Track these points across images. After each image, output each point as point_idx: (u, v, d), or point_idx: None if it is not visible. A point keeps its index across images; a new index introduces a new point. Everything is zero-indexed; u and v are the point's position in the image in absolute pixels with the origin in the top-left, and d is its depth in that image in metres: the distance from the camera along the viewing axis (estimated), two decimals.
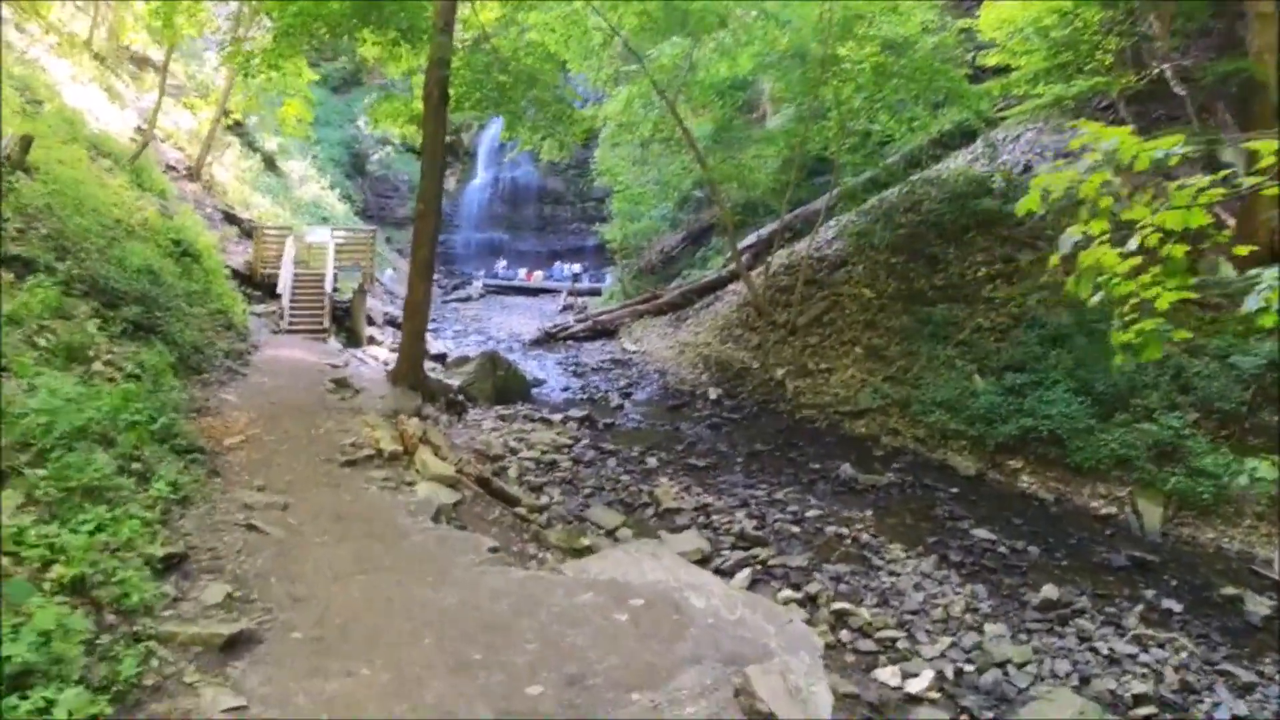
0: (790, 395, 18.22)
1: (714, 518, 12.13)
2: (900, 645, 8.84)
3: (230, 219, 22.37)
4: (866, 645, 8.83)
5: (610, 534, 11.42)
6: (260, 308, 18.30)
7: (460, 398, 16.11)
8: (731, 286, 24.13)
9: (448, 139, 16.85)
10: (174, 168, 22.50)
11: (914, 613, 9.60)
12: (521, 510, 11.08)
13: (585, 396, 19.00)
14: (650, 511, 12.42)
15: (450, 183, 37.42)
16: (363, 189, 37.42)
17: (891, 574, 10.63)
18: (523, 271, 36.42)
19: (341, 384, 13.99)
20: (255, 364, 14.34)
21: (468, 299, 33.06)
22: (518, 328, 27.43)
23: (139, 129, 20.85)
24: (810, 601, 9.78)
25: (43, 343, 8.81)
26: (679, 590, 6.85)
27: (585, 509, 12.29)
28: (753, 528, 11.73)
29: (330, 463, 9.80)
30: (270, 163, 30.11)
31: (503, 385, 17.47)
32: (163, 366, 10.59)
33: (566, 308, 30.88)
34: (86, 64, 21.60)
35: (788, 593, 9.90)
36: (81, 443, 7.15)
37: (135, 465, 7.45)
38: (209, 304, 15.05)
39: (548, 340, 25.09)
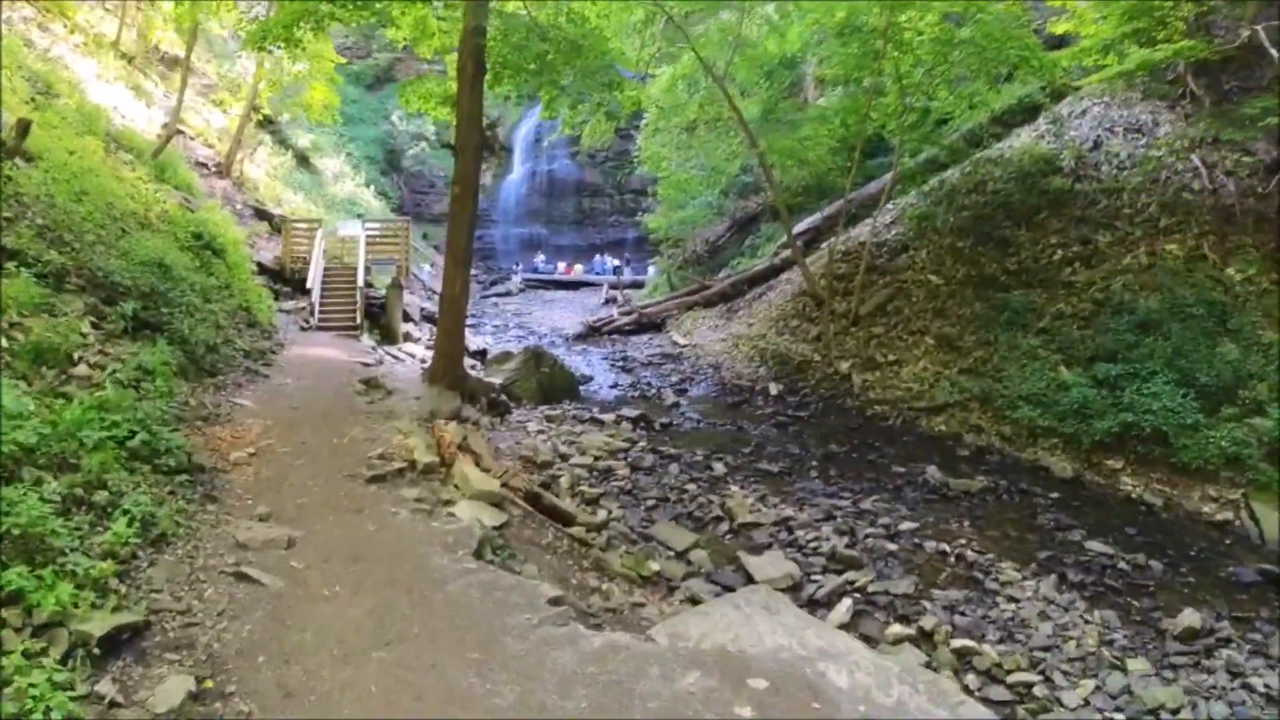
0: (858, 390, 16.23)
1: (798, 534, 10.20)
2: (1038, 692, 7.13)
3: (260, 215, 20.89)
4: (999, 693, 7.12)
5: (681, 556, 9.51)
6: (289, 304, 16.63)
7: (502, 397, 14.24)
8: (785, 275, 22.02)
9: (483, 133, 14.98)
10: (204, 164, 21.17)
11: (1045, 649, 7.84)
12: (578, 530, 9.15)
13: (637, 394, 17.04)
14: (724, 528, 10.47)
15: (486, 177, 35.64)
16: (398, 185, 35.86)
17: (1010, 599, 8.80)
18: (562, 265, 34.59)
19: (372, 384, 12.19)
20: (279, 363, 12.59)
21: (507, 294, 31.28)
22: (560, 322, 25.53)
23: (165, 125, 19.37)
24: (925, 638, 7.96)
25: (4, 343, 7.05)
26: (810, 661, 4.86)
27: (649, 525, 10.37)
28: (844, 546, 9.83)
29: (353, 479, 7.94)
30: (303, 160, 28.72)
31: (548, 383, 15.56)
32: (162, 369, 8.82)
33: (609, 301, 28.94)
34: (113, 63, 20.23)
35: (897, 628, 8.06)
36: (24, 469, 5.36)
37: (99, 495, 5.64)
38: (230, 300, 13.35)
39: (592, 334, 23.16)
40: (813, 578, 9.11)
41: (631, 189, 38.09)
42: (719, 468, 12.51)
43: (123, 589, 4.86)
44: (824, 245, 21.08)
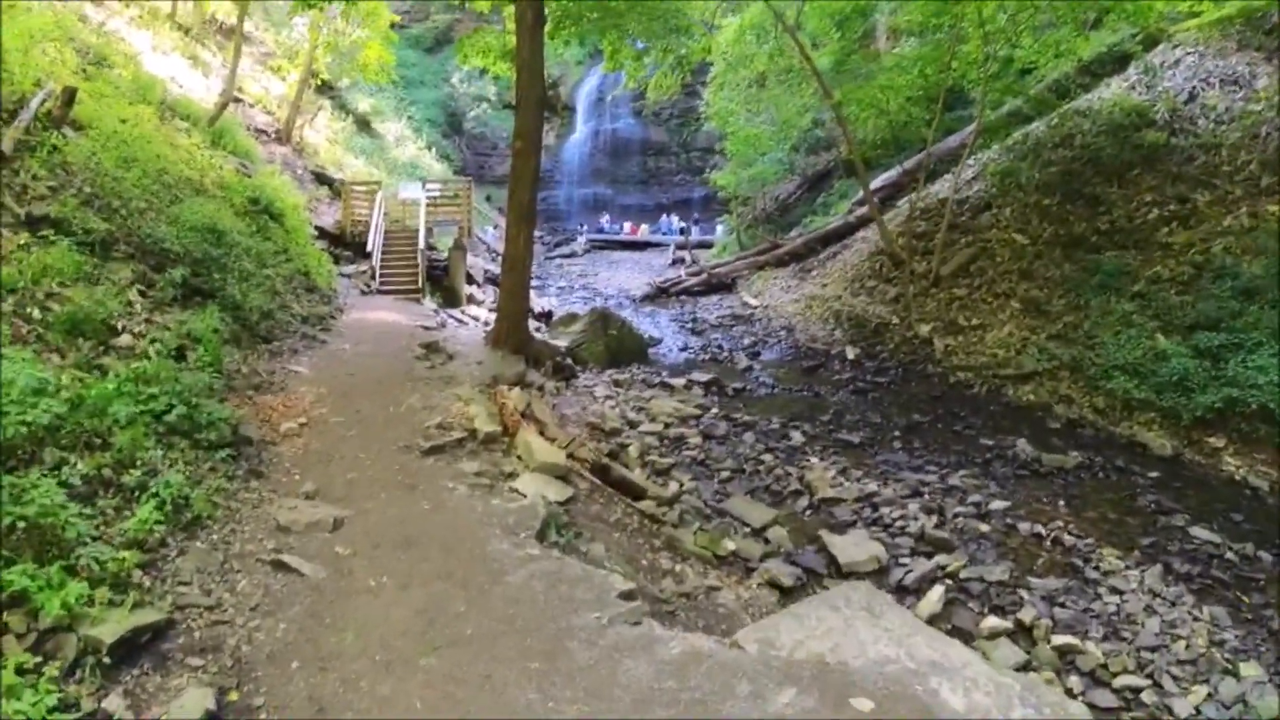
0: (939, 355, 15.09)
1: (883, 511, 9.25)
2: (1147, 698, 6.23)
3: (321, 179, 20.59)
4: (1105, 698, 6.24)
5: (758, 534, 8.69)
6: (350, 268, 16.24)
7: (568, 361, 13.58)
8: (860, 234, 20.82)
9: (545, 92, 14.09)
10: (263, 131, 20.95)
11: (1153, 649, 6.86)
12: (648, 505, 8.41)
13: (708, 357, 16.18)
14: (804, 503, 9.58)
15: (549, 137, 34.79)
16: (460, 148, 35.35)
17: (1114, 591, 7.73)
18: (627, 225, 33.66)
19: (432, 349, 11.64)
20: (338, 329, 12.16)
21: (571, 255, 30.58)
22: (626, 283, 24.75)
23: (221, 92, 19.13)
24: (1024, 632, 7.02)
25: (36, 314, 6.62)
26: (921, 677, 4.02)
27: (724, 499, 9.55)
28: (933, 526, 8.85)
29: (409, 451, 7.35)
30: (364, 124, 28.40)
31: (616, 346, 14.82)
32: (211, 336, 8.37)
33: (676, 261, 27.99)
34: (169, 35, 20.08)
35: (993, 621, 7.11)
36: (45, 450, 4.86)
37: (128, 476, 5.13)
38: (287, 265, 12.95)
39: (660, 295, 22.30)
40: (900, 561, 8.19)
41: (698, 147, 36.91)
42: (796, 437, 11.61)
43: (146, 582, 4.33)
44: (901, 202, 19.95)
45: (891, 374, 14.75)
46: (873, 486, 9.87)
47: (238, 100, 21.10)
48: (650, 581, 6.82)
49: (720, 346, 16.91)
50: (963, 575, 7.84)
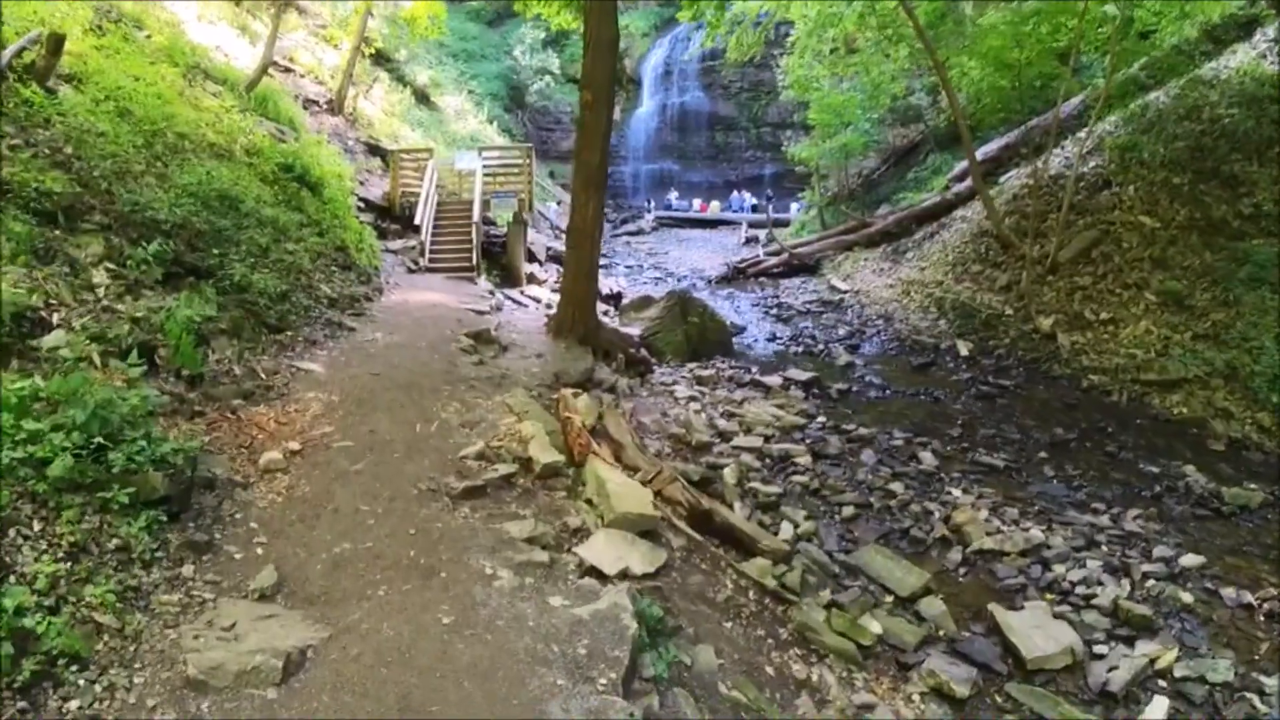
0: (1066, 354, 12.42)
1: (1056, 569, 6.77)
2: None
3: (374, 151, 18.45)
4: None
5: (907, 604, 6.19)
6: (397, 243, 14.00)
7: (643, 353, 11.11)
8: (959, 213, 17.89)
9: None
10: (314, 101, 18.93)
11: None
12: (761, 566, 5.89)
13: (801, 349, 13.50)
14: (954, 555, 7.02)
15: (615, 111, 32.23)
16: (523, 122, 32.95)
17: None
18: (697, 202, 30.91)
19: (482, 339, 9.31)
20: (372, 313, 9.90)
21: (639, 232, 27.96)
22: (699, 263, 22.08)
23: (272, 62, 17.13)
24: None
25: None
26: None
27: (852, 548, 7.04)
28: (1125, 594, 6.39)
29: (434, 497, 4.98)
30: (423, 97, 26.23)
31: (697, 335, 12.26)
32: (188, 329, 6.14)
33: (750, 240, 25.21)
34: (217, 4, 18.19)
35: None
36: None
37: None
38: (318, 239, 10.73)
39: (737, 277, 19.60)
40: (1096, 650, 5.76)
41: (769, 122, 33.99)
42: (927, 458, 8.98)
43: None
44: (1003, 179, 17.16)
45: (1015, 375, 12.16)
46: (1036, 533, 7.39)
47: (288, 70, 19.23)
48: (782, 705, 4.35)
49: (813, 337, 14.21)
50: (1178, 673, 5.53)
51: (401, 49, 26.33)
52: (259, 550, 4.16)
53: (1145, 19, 14.17)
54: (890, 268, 18.07)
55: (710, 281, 19.35)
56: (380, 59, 24.53)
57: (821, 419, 10.04)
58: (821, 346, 13.57)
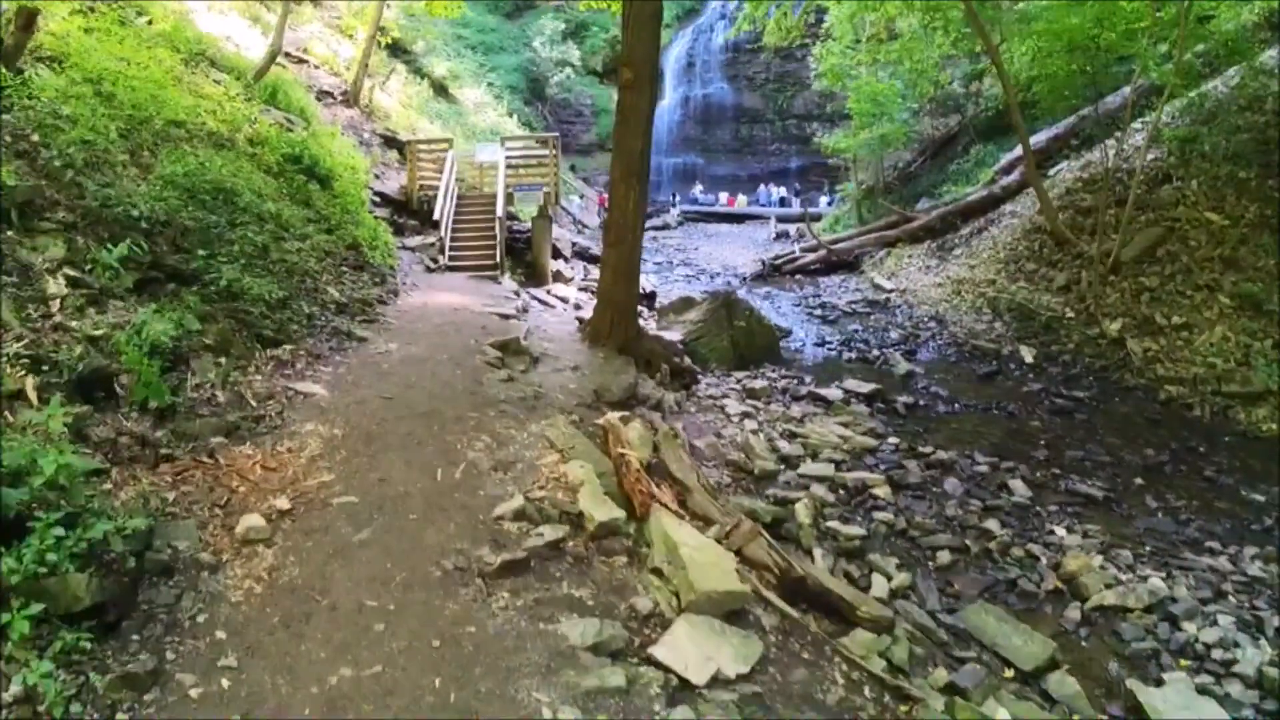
0: (1139, 362, 11.16)
1: (1186, 629, 5.57)
2: None
3: (391, 143, 17.22)
4: None
5: (1031, 681, 4.91)
6: (415, 240, 12.74)
7: (687, 362, 9.78)
8: (1007, 207, 16.54)
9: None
10: (328, 93, 17.77)
11: None
12: (864, 642, 4.57)
13: (854, 355, 12.11)
14: (1074, 614, 5.74)
15: None
16: (543, 115, 31.62)
17: None
18: (724, 196, 29.55)
19: (510, 350, 8.02)
20: (387, 319, 8.64)
21: (665, 227, 26.57)
22: (730, 259, 20.67)
23: (285, 53, 15.95)
24: None
25: None
26: None
27: (954, 605, 5.75)
28: (1268, 661, 5.19)
29: (463, 580, 3.69)
30: (441, 89, 25.04)
31: (744, 341, 10.89)
32: (138, 357, 4.89)
33: (780, 235, 23.82)
34: None
35: None
36: None
37: None
38: (326, 236, 9.50)
39: (773, 274, 18.20)
40: None
41: (794, 114, 32.71)
42: (1018, 488, 7.65)
43: None
44: (1053, 171, 15.87)
45: (1087, 386, 10.89)
46: (1158, 582, 6.14)
47: (302, 62, 18.09)
48: None
49: (866, 342, 12.83)
50: None
51: (419, 40, 25.15)
52: (224, 681, 2.89)
53: (1202, 5, 12.72)
54: (937, 265, 16.70)
55: (745, 279, 17.97)
56: (397, 50, 23.35)
57: (893, 439, 8.69)
58: (877, 353, 12.18)
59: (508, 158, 14.37)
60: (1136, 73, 12.97)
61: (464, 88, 26.82)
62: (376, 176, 14.66)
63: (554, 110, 32.50)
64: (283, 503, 4.20)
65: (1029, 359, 11.88)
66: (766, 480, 7.36)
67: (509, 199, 13.52)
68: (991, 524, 6.92)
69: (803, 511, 6.67)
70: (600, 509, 4.58)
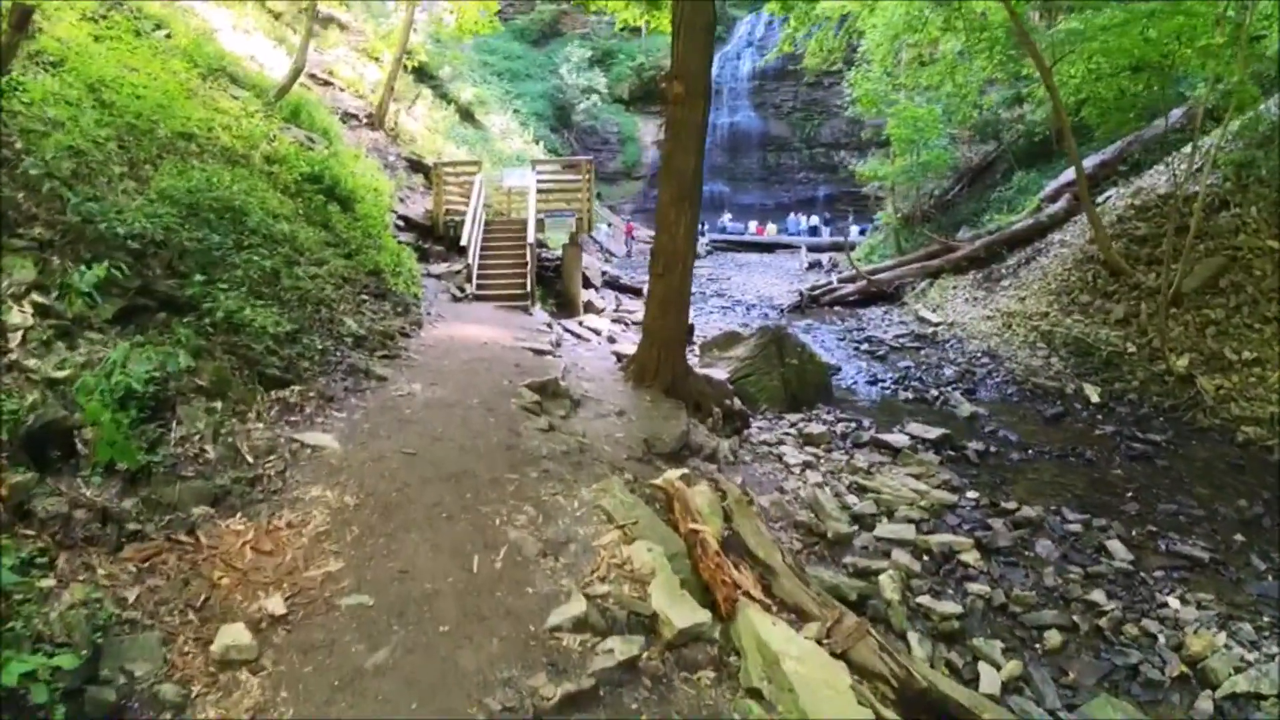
0: (1211, 401, 10.13)
1: None
2: None
3: (416, 167, 16.54)
4: None
5: None
6: (441, 267, 11.86)
7: (738, 404, 8.74)
8: (1055, 236, 15.54)
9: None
10: (353, 115, 17.21)
11: None
12: None
13: (910, 394, 11.04)
14: (1205, 706, 4.78)
15: (659, 132, 30.22)
16: (569, 141, 30.99)
17: None
18: (753, 225, 28.68)
19: (548, 393, 7.03)
20: (410, 354, 7.68)
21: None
22: (764, 289, 19.68)
23: (310, 74, 15.35)
24: None
25: None
26: None
27: (1072, 699, 4.86)
28: None
29: None
30: (467, 115, 24.49)
31: (796, 380, 9.84)
32: (98, 409, 3.94)
33: (813, 265, 22.87)
34: (253, 14, 16.63)
35: None
36: None
37: None
38: (345, 261, 8.61)
39: (810, 305, 17.18)
40: None
41: (822, 142, 31.98)
42: (1117, 550, 6.59)
43: None
44: (1103, 198, 14.87)
45: (1160, 428, 9.81)
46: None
47: (328, 84, 17.54)
48: None
49: (920, 380, 11.77)
50: None
51: (445, 66, 24.64)
52: None
53: (1255, 24, 11.74)
54: (985, 297, 15.66)
55: (782, 311, 16.95)
56: (423, 75, 22.82)
57: (971, 493, 7.62)
58: (935, 392, 11.10)
59: (539, 182, 13.52)
60: (1205, 93, 11.97)
61: (490, 114, 26.27)
62: (401, 200, 13.89)
63: (580, 137, 31.90)
64: (276, 604, 3.21)
65: (1094, 398, 10.85)
66: (841, 545, 6.32)
67: (540, 225, 12.63)
68: (1097, 595, 5.87)
69: (889, 585, 5.62)
70: (678, 610, 3.54)
